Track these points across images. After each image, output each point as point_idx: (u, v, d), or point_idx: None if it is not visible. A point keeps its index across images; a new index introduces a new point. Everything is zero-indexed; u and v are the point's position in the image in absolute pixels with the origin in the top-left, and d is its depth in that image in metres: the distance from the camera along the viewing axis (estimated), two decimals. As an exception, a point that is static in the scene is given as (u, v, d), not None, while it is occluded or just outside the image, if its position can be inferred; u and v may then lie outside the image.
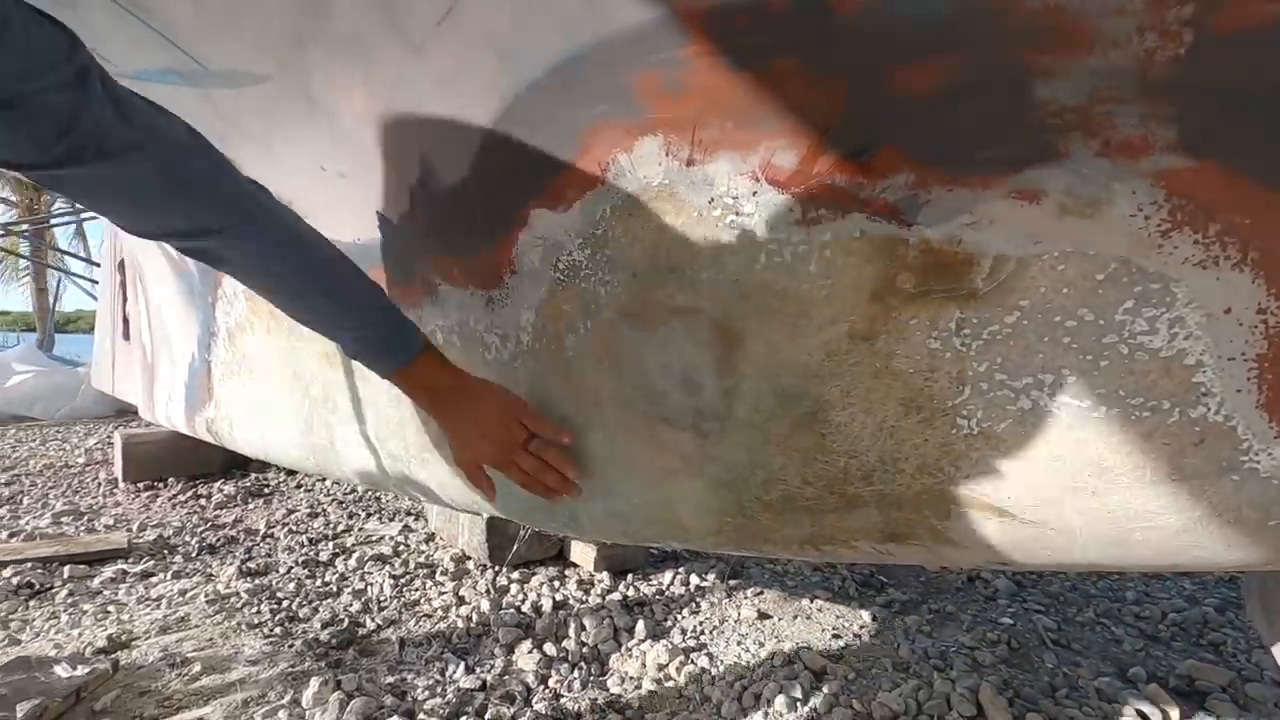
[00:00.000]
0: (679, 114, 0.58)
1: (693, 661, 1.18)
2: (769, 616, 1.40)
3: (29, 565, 1.53)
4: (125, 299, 2.99)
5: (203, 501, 2.24)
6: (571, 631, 1.31)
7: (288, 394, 1.46)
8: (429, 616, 1.37)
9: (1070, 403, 0.51)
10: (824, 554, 0.72)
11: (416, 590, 1.49)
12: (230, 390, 1.73)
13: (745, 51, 0.52)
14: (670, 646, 1.23)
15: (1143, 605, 1.49)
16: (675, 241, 0.66)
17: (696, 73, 0.55)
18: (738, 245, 0.63)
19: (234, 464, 2.58)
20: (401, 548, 1.78)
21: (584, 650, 1.25)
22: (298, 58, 0.74)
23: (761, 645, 1.26)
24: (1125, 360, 0.49)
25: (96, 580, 1.50)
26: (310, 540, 1.82)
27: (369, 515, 2.09)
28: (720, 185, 0.61)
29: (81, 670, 1.03)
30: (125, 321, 2.95)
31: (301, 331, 1.34)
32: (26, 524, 1.95)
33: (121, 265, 3.13)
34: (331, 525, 1.98)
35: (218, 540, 1.82)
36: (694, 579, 1.59)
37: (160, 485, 2.43)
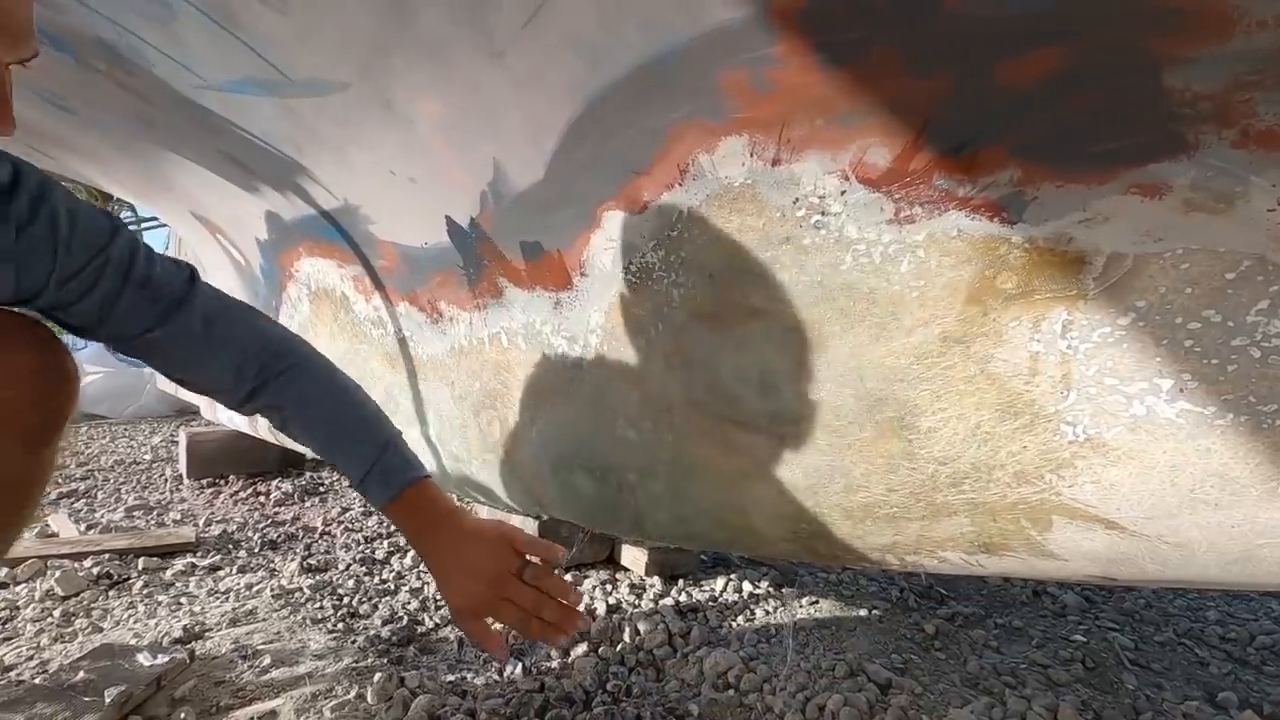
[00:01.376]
0: (766, 113, 0.57)
1: (752, 670, 1.16)
2: (827, 626, 1.37)
3: (107, 556, 1.60)
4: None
5: (262, 499, 2.31)
6: (626, 636, 1.30)
7: (349, 395, 1.50)
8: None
9: (1191, 409, 0.48)
10: (905, 564, 0.70)
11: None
12: (292, 391, 1.78)
13: (841, 47, 0.51)
14: (728, 654, 1.21)
15: (1227, 626, 1.41)
16: (756, 243, 0.65)
17: (788, 70, 0.54)
18: (822, 246, 0.61)
19: (290, 462, 2.66)
20: (454, 547, 1.81)
21: (639, 655, 1.24)
22: (379, 65, 0.76)
23: (822, 655, 1.23)
24: (1258, 365, 0.45)
25: (168, 573, 1.56)
26: (366, 539, 1.87)
27: (420, 515, 2.13)
28: (806, 185, 0.59)
29: (161, 659, 1.07)
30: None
31: (364, 334, 1.37)
32: (101, 517, 2.04)
33: (186, 271, 3.26)
34: (385, 524, 2.02)
35: (278, 536, 1.88)
36: (747, 585, 1.57)
37: (222, 482, 2.52)
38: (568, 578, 1.59)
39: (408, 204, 1.00)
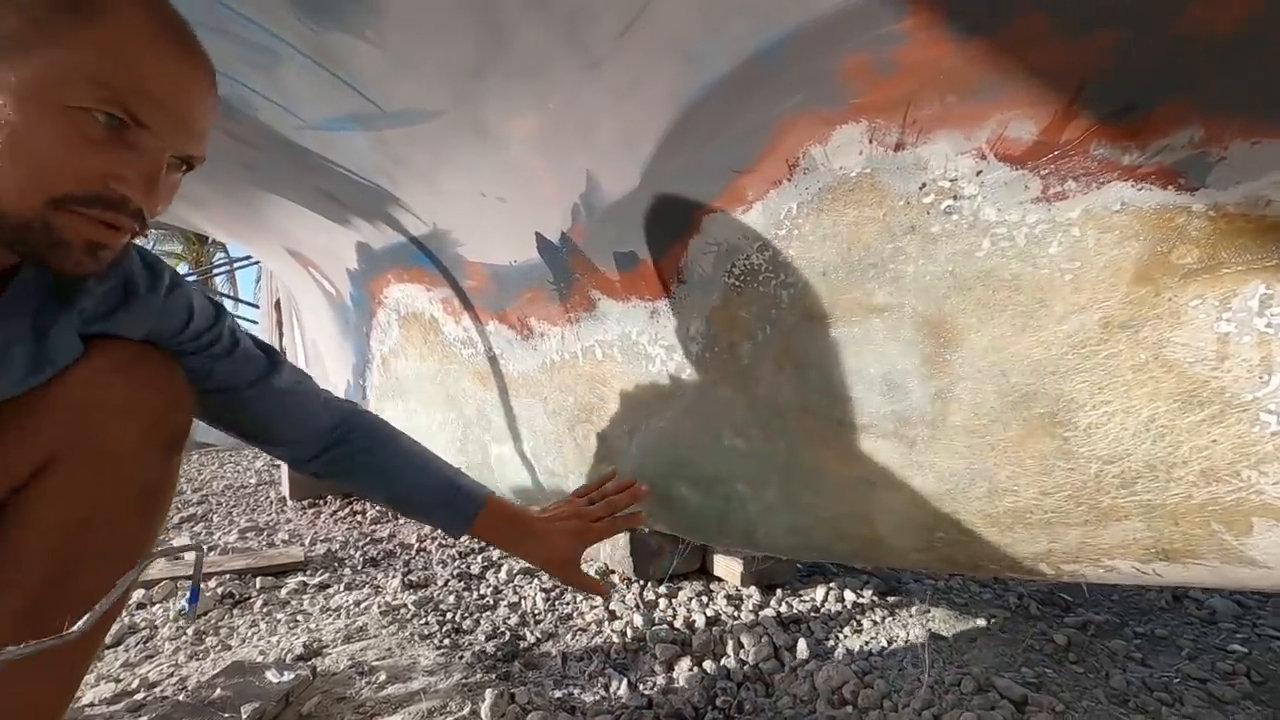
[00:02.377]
0: (889, 96, 0.54)
1: (869, 685, 1.10)
2: (943, 637, 1.29)
3: (228, 576, 1.70)
4: (281, 334, 3.31)
5: (359, 517, 2.41)
6: (729, 649, 1.27)
7: (441, 414, 1.53)
8: (584, 631, 1.38)
9: None
10: (1062, 574, 0.64)
11: (568, 604, 1.51)
12: (385, 412, 1.85)
13: (978, 16, 0.47)
14: (840, 668, 1.16)
15: None
16: (876, 235, 0.61)
17: (915, 47, 0.50)
18: (954, 232, 0.57)
19: (381, 481, 2.77)
20: (545, 561, 1.82)
21: (745, 669, 1.20)
22: (474, 89, 0.76)
23: (943, 669, 1.16)
24: None
25: (283, 591, 1.64)
26: (460, 554, 1.91)
27: (508, 529, 2.17)
28: (935, 168, 0.55)
29: (288, 676, 1.11)
30: (282, 354, 3.26)
31: (454, 354, 1.41)
32: (219, 539, 2.18)
33: (278, 304, 3.48)
34: (477, 540, 2.06)
35: (378, 554, 1.95)
36: (849, 595, 1.50)
37: (321, 502, 2.65)
38: (661, 589, 1.57)
39: (497, 224, 1.02)
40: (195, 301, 0.77)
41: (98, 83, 0.49)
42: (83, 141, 0.50)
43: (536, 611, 1.48)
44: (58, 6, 0.50)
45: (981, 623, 1.35)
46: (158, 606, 1.55)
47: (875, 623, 1.38)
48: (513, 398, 1.23)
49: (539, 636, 1.35)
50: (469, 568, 1.78)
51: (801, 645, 1.25)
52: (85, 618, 0.55)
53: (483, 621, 1.42)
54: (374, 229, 1.33)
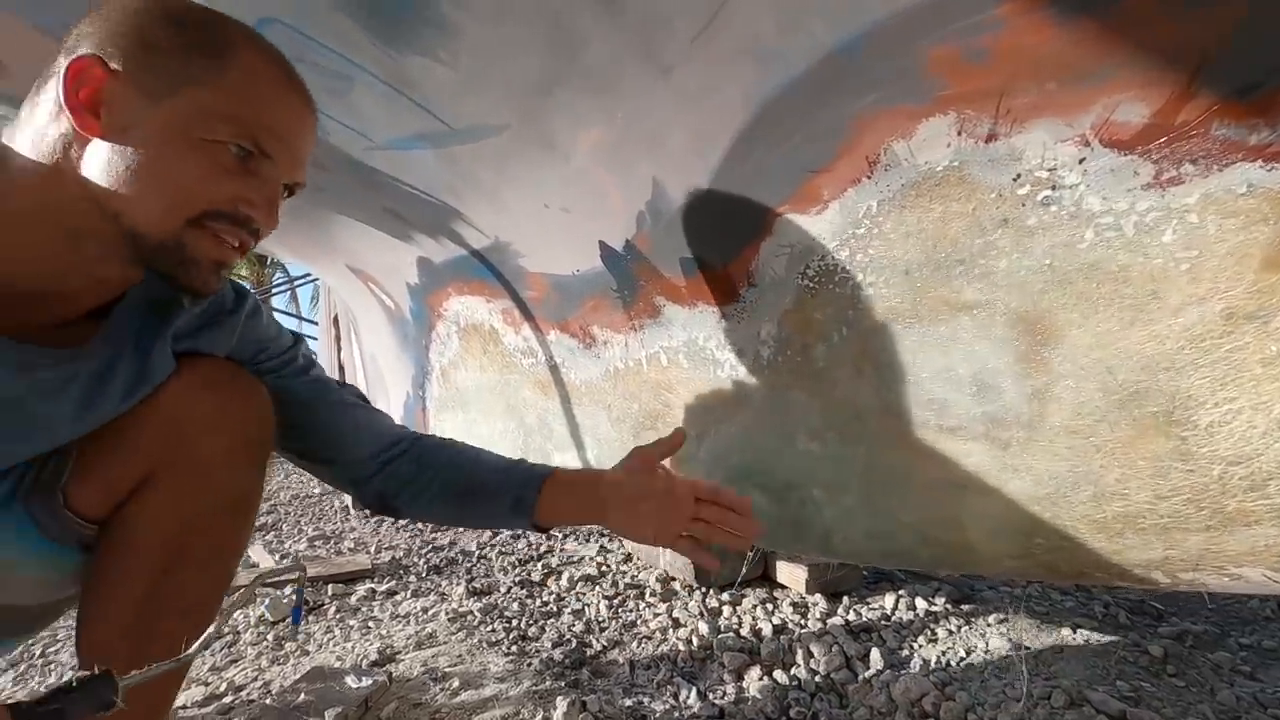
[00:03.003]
0: (980, 86, 0.52)
1: (951, 698, 1.06)
2: (1025, 647, 1.24)
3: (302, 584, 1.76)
4: (340, 348, 3.43)
5: (420, 525, 2.47)
6: (799, 658, 1.24)
7: (502, 423, 1.56)
8: (649, 639, 1.37)
9: None
10: (1179, 582, 0.60)
11: (631, 611, 1.51)
12: (445, 422, 1.89)
13: (1082, -4, 0.45)
14: (918, 679, 1.12)
15: None
16: (964, 230, 0.59)
17: (1010, 33, 0.48)
18: (1052, 224, 0.54)
19: (439, 490, 2.83)
20: (605, 568, 1.82)
21: (817, 679, 1.18)
22: (541, 103, 0.77)
23: (1030, 682, 1.10)
24: None
25: (353, 598, 1.69)
26: (520, 561, 1.93)
27: (565, 536, 2.18)
28: (1031, 158, 0.53)
29: (366, 682, 1.14)
30: (341, 368, 3.38)
31: (515, 364, 1.42)
32: (289, 547, 2.27)
33: (335, 320, 3.60)
34: (534, 546, 2.08)
35: (440, 561, 1.99)
36: (920, 603, 1.46)
37: (383, 511, 2.73)
38: (724, 597, 1.55)
39: (560, 234, 1.03)
40: (273, 324, 0.83)
41: (231, 119, 0.55)
42: (218, 170, 0.56)
43: (600, 619, 1.48)
44: (195, 54, 0.55)
45: (1067, 632, 1.28)
46: (239, 612, 1.62)
47: (950, 632, 1.33)
48: (575, 406, 1.24)
49: (605, 644, 1.35)
50: (530, 575, 1.80)
51: (875, 655, 1.22)
52: (201, 639, 0.58)
53: (548, 629, 1.43)
54: (436, 244, 1.36)
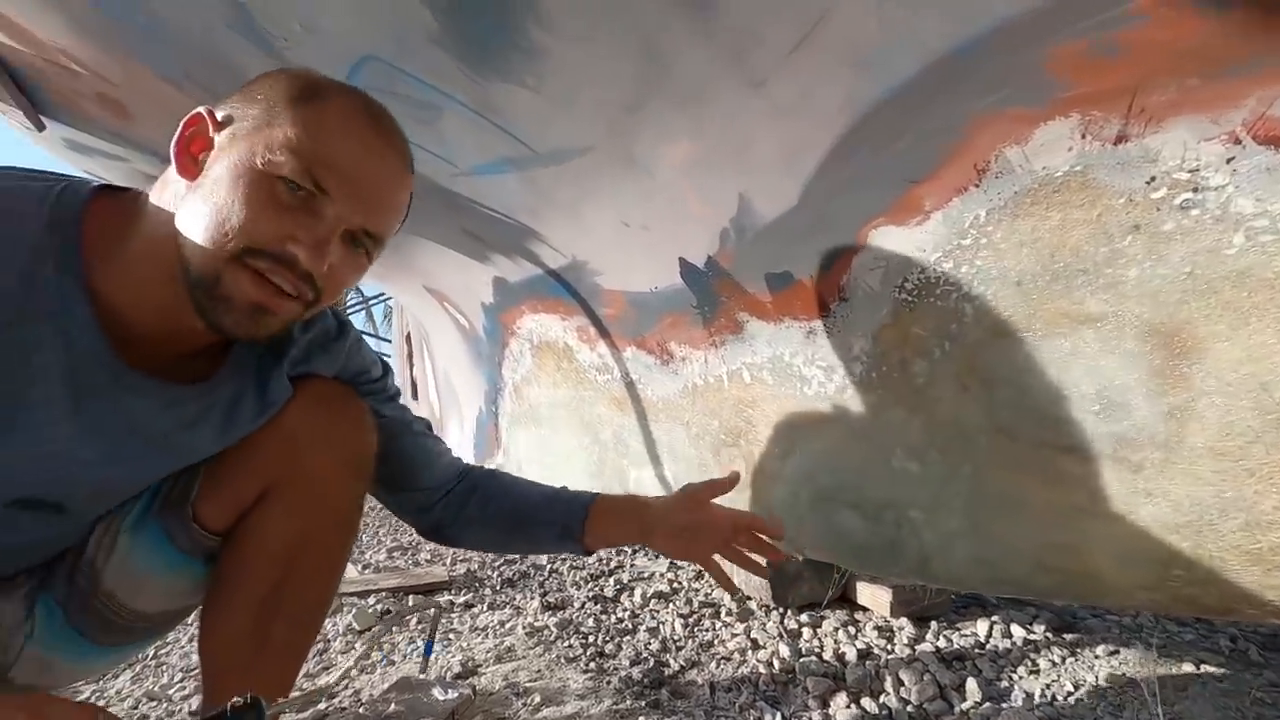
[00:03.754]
0: (1109, 85, 0.49)
1: (1062, 736, 0.99)
2: (1140, 684, 1.14)
3: (384, 594, 1.82)
4: (411, 365, 3.56)
5: (491, 538, 2.52)
6: (888, 686, 1.18)
7: (576, 439, 1.57)
8: (728, 659, 1.35)
9: None
10: (1354, 622, 0.53)
11: (707, 630, 1.48)
12: (517, 437, 1.93)
13: (1235, -18, 0.41)
14: (1022, 713, 1.05)
15: None
16: (1087, 238, 0.55)
17: (1149, 27, 0.45)
18: (1193, 229, 0.50)
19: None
20: (677, 585, 1.80)
21: (909, 709, 1.12)
22: (627, 121, 0.78)
23: (1151, 722, 1.02)
24: None
25: (433, 610, 1.73)
26: (592, 576, 1.94)
27: (635, 551, 2.17)
28: (1169, 159, 0.49)
29: (452, 694, 1.17)
30: (413, 384, 3.50)
31: (589, 381, 1.44)
32: (370, 558, 2.35)
33: (408, 337, 3.75)
34: (605, 561, 2.08)
35: (513, 575, 2.01)
36: (1017, 630, 1.37)
37: (455, 523, 2.80)
38: (803, 618, 1.51)
39: (639, 251, 1.03)
40: (370, 353, 0.87)
41: (292, 151, 0.54)
42: (269, 203, 0.54)
43: (676, 637, 1.46)
44: (284, 100, 0.57)
45: (1189, 668, 1.18)
46: (328, 621, 1.69)
47: (1054, 663, 1.24)
48: (652, 422, 1.24)
49: (683, 664, 1.33)
50: (603, 590, 1.80)
51: (971, 685, 1.15)
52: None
53: (624, 646, 1.42)
54: (512, 263, 1.39)
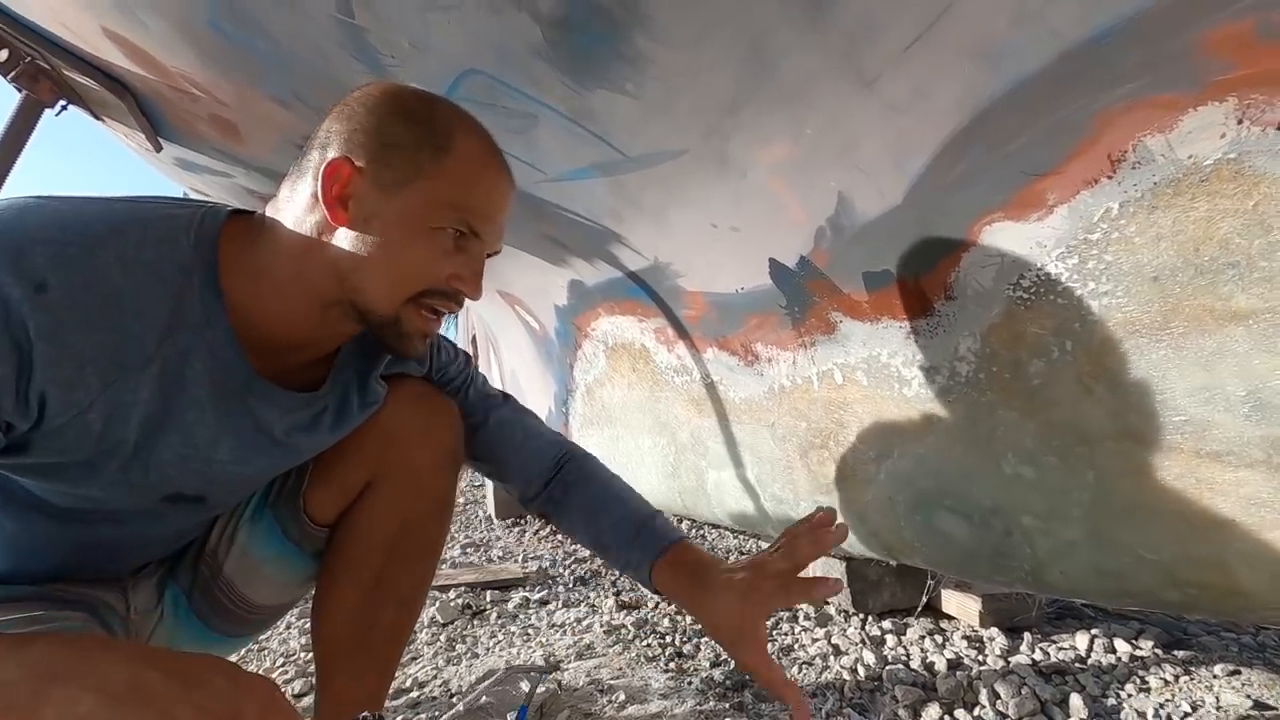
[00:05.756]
0: (1275, 66, 0.46)
1: (1184, 760, 0.93)
2: (1270, 708, 1.06)
3: (463, 589, 1.88)
4: (477, 366, 3.65)
5: (559, 536, 2.56)
6: (983, 698, 1.14)
7: (650, 440, 1.58)
8: (809, 664, 1.33)
9: None
10: None
11: (785, 634, 1.47)
12: (589, 439, 1.95)
13: None
14: (1135, 734, 0.99)
15: None
16: (1240, 228, 0.52)
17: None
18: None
19: (573, 502, 2.93)
20: (750, 587, 1.79)
21: (1007, 723, 1.08)
22: (725, 124, 0.78)
23: (1286, 750, 0.94)
24: None
25: (510, 605, 1.78)
26: (662, 576, 1.95)
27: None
28: (1343, 142, 0.46)
29: (539, 688, 1.20)
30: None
31: (666, 382, 1.44)
32: (445, 554, 2.44)
33: (474, 340, 3.86)
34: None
35: (585, 573, 2.04)
36: (1121, 645, 1.30)
37: (524, 521, 2.86)
38: (885, 624, 1.47)
39: (726, 253, 1.03)
40: (450, 348, 0.92)
41: (452, 207, 0.61)
42: (439, 253, 0.62)
43: (754, 640, 1.45)
44: (424, 147, 0.61)
45: (1325, 692, 1.09)
46: (412, 613, 1.75)
47: (1166, 681, 1.17)
48: (733, 424, 1.23)
49: (764, 667, 1.32)
50: (675, 591, 1.80)
51: (1075, 701, 1.10)
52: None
53: (702, 647, 1.42)
54: (590, 266, 1.41)
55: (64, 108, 1.50)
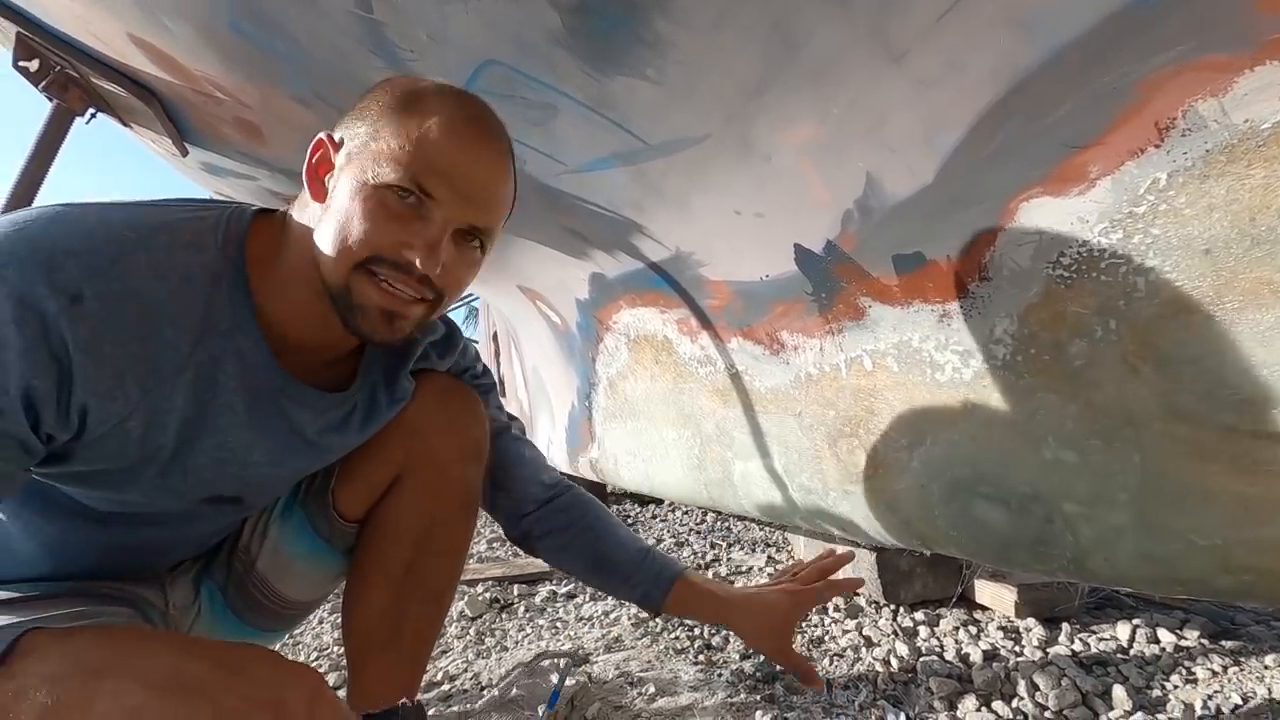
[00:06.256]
0: (1340, 19, 0.43)
1: (1236, 753, 0.90)
2: (1329, 700, 1.02)
3: (491, 583, 1.89)
4: (499, 362, 3.67)
5: (584, 530, 2.57)
6: (1021, 690, 1.11)
7: (675, 432, 1.57)
8: (841, 656, 1.31)
9: None
10: None
11: (815, 625, 1.45)
12: (613, 432, 1.95)
13: None
14: (1183, 726, 0.96)
15: None
16: (1302, 196, 0.49)
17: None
18: None
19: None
20: (777, 579, 1.78)
21: (1047, 715, 1.05)
22: (748, 107, 0.77)
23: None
24: None
25: (538, 598, 1.79)
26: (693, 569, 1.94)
27: (729, 545, 2.16)
28: None
29: (570, 681, 1.20)
30: (500, 381, 3.62)
31: (690, 373, 1.43)
32: (472, 548, 2.46)
33: (495, 336, 3.88)
34: (699, 555, 2.08)
35: (610, 566, 2.05)
36: (1165, 635, 1.26)
37: (547, 516, 2.87)
38: (917, 615, 1.44)
39: (750, 240, 1.01)
40: (474, 351, 0.92)
41: (396, 162, 0.56)
42: (383, 214, 0.56)
43: (784, 632, 1.43)
44: (388, 113, 0.58)
45: (1385, 684, 1.04)
46: (441, 607, 1.77)
47: (1214, 673, 1.13)
48: (759, 414, 1.22)
49: (795, 659, 1.31)
50: (702, 583, 1.79)
51: (1119, 693, 1.07)
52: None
53: (731, 639, 1.41)
54: (611, 258, 1.40)
55: (93, 115, 1.53)
